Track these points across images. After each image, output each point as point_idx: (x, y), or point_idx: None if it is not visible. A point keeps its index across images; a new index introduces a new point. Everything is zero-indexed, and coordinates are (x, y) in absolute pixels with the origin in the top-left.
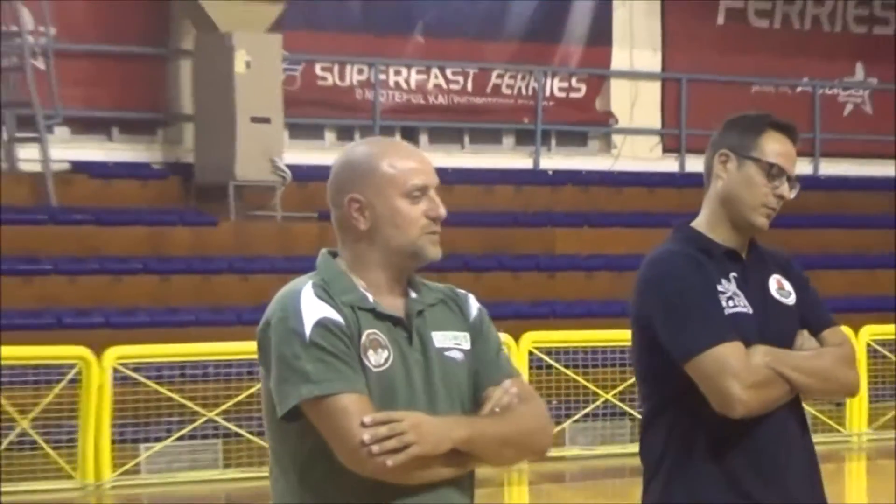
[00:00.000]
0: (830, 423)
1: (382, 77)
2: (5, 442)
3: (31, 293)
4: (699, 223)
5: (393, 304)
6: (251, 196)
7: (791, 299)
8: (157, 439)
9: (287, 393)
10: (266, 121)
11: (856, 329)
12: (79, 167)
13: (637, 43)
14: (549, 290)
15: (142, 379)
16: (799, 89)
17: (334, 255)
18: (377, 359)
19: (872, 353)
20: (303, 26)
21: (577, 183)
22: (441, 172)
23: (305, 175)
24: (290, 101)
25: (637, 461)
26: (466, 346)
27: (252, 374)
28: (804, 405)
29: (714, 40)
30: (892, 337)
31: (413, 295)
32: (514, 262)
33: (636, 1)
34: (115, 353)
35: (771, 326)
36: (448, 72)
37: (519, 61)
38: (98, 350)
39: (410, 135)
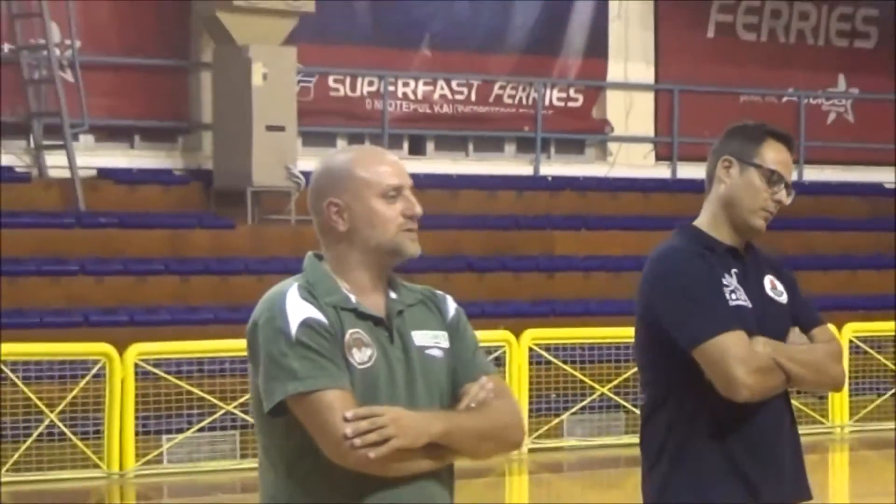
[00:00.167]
0: (814, 415)
1: (391, 88)
2: (35, 433)
3: (60, 293)
4: (701, 223)
5: (374, 305)
6: (267, 201)
7: (784, 298)
8: (179, 431)
9: (274, 389)
10: (281, 129)
11: (839, 326)
12: (104, 173)
13: (631, 55)
14: (548, 290)
15: (162, 374)
16: (785, 99)
17: (320, 257)
18: (361, 356)
19: (854, 349)
20: (316, 40)
21: (575, 188)
22: (446, 178)
23: None
24: (304, 110)
25: (632, 451)
26: (445, 344)
27: None
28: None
29: (704, 53)
30: (874, 334)
31: (393, 295)
32: (515, 263)
33: (631, 15)
34: (138, 350)
35: (767, 322)
36: (453, 83)
37: (520, 73)
38: (122, 346)
39: (417, 143)
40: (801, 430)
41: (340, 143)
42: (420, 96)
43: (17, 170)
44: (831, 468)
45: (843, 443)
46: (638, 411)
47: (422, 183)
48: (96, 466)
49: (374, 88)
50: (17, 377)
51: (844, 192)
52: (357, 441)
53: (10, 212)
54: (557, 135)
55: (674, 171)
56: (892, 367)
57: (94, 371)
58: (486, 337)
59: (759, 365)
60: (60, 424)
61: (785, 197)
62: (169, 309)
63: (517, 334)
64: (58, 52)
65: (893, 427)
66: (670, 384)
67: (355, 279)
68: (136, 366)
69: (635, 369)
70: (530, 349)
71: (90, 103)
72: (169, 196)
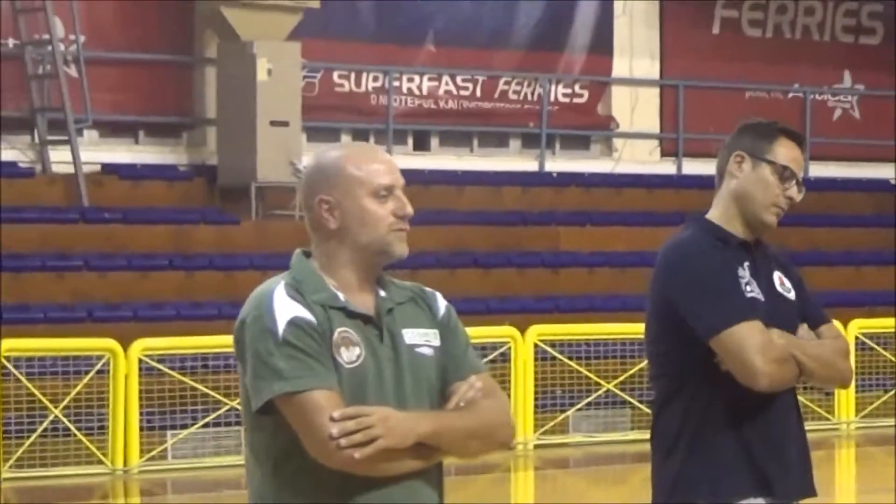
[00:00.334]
0: (820, 411)
1: (396, 84)
2: (39, 429)
3: (64, 288)
4: (712, 217)
5: (363, 303)
6: (271, 196)
7: (792, 295)
8: (183, 426)
9: (261, 388)
10: (285, 124)
11: (844, 323)
12: (108, 169)
13: (637, 51)
14: (553, 286)
15: (167, 370)
16: (790, 95)
17: (308, 254)
18: (349, 356)
19: (860, 345)
20: (320, 35)
21: (580, 184)
22: (451, 174)
23: None
24: (309, 106)
25: (638, 447)
26: (436, 342)
27: None
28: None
29: (710, 49)
30: (879, 330)
31: (382, 293)
32: (520, 259)
33: (636, 12)
34: (142, 345)
35: (777, 317)
36: (458, 79)
37: (525, 69)
38: (126, 342)
39: (422, 138)
40: (807, 426)
41: (345, 138)
42: (425, 92)
43: (21, 165)
44: (837, 464)
45: (849, 439)
46: (644, 407)
47: (426, 179)
48: (100, 462)
49: (378, 84)
50: (21, 373)
51: (849, 188)
52: (343, 441)
53: (14, 207)
54: (562, 131)
55: (679, 168)
56: None
57: (98, 367)
58: (491, 333)
59: (776, 355)
60: (65, 420)
61: (796, 193)
62: (173, 304)
63: (522, 330)
64: (62, 47)
65: None
66: (685, 374)
67: (344, 277)
68: (141, 361)
69: (641, 365)
70: (535, 345)
71: (94, 99)
72: (173, 191)
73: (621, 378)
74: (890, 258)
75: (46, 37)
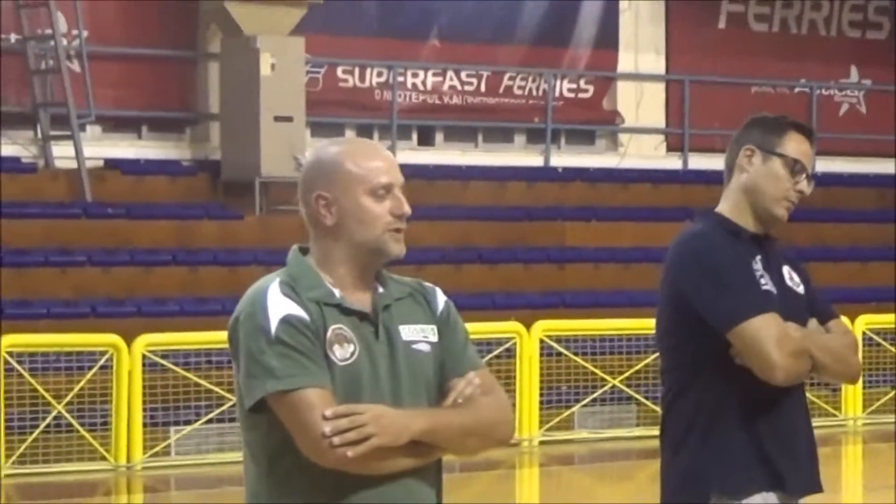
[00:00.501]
0: (827, 407)
1: (400, 79)
2: (42, 425)
3: (67, 284)
4: (723, 211)
5: (360, 299)
6: (275, 191)
7: (801, 289)
8: (187, 422)
9: (253, 387)
10: (289, 120)
11: (851, 319)
12: (111, 164)
13: (642, 46)
14: (559, 281)
15: (170, 365)
16: (797, 90)
17: (305, 251)
18: (343, 353)
19: (867, 341)
20: (324, 30)
21: (586, 179)
22: (456, 169)
23: None
24: (313, 101)
25: (643, 444)
26: (434, 338)
27: None
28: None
29: (715, 44)
30: (886, 326)
31: (380, 290)
32: (526, 255)
33: (641, 6)
34: (145, 341)
35: (789, 310)
36: (463, 74)
37: (530, 64)
38: (130, 338)
39: (426, 134)
40: (814, 422)
41: (349, 133)
42: (429, 87)
43: (24, 160)
44: (844, 461)
45: (856, 435)
46: (650, 404)
47: (431, 174)
48: (103, 459)
49: (382, 79)
50: (24, 369)
51: (856, 183)
52: (336, 440)
53: (17, 202)
54: (568, 126)
55: (685, 162)
56: None
57: (101, 362)
58: (497, 328)
59: (793, 348)
60: (67, 416)
61: (806, 186)
62: (177, 300)
63: (528, 326)
64: (64, 42)
65: None
66: (697, 368)
67: (341, 274)
68: (144, 357)
69: (647, 361)
70: (541, 341)
71: (97, 94)
72: (176, 187)
73: (627, 374)
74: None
75: (49, 31)
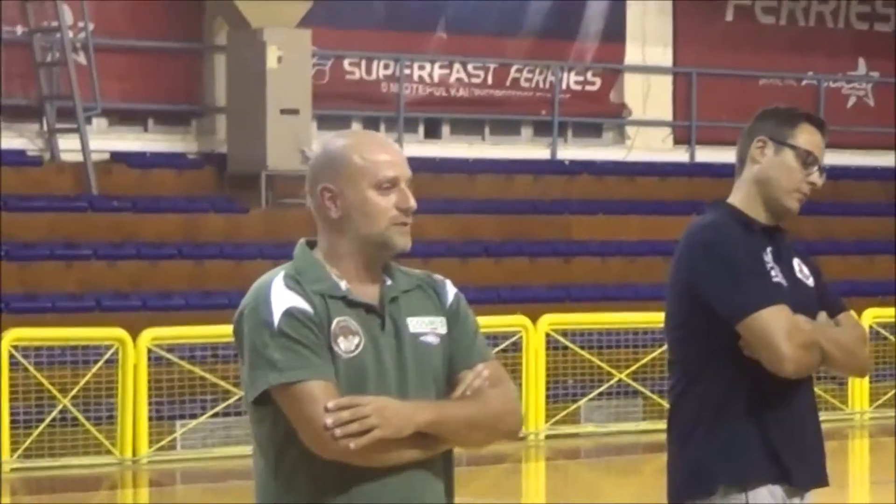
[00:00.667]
0: (833, 401)
1: (407, 71)
2: (47, 419)
3: (72, 277)
4: (734, 202)
5: (366, 292)
6: (282, 185)
7: (811, 282)
8: (192, 416)
9: (256, 380)
10: (295, 112)
11: (858, 312)
12: (117, 157)
13: (649, 39)
14: (565, 275)
15: (176, 359)
16: (804, 83)
17: (312, 245)
18: (347, 345)
19: (874, 335)
20: (331, 23)
21: (593, 172)
22: (462, 162)
23: None
24: (320, 94)
25: (649, 438)
26: (443, 330)
27: None
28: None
29: (723, 36)
30: (893, 320)
31: (388, 282)
32: (532, 248)
33: None
34: (151, 335)
35: (799, 302)
36: (469, 66)
37: (537, 57)
38: (135, 331)
39: (433, 126)
40: (821, 416)
41: (355, 126)
42: (436, 80)
43: (30, 153)
44: (851, 454)
45: (863, 429)
46: (656, 397)
47: (438, 167)
48: (109, 452)
49: (389, 72)
50: (30, 363)
51: (863, 176)
52: (338, 431)
53: (23, 196)
54: (575, 118)
55: (692, 155)
56: None
57: (106, 356)
58: (503, 322)
59: (803, 340)
60: (73, 410)
61: (818, 178)
62: (182, 294)
63: (534, 319)
64: (70, 34)
65: None
66: (706, 359)
67: (347, 266)
68: (150, 351)
69: (653, 354)
70: (547, 334)
71: (103, 86)
72: (182, 180)
73: (633, 368)
74: None
75: (55, 24)
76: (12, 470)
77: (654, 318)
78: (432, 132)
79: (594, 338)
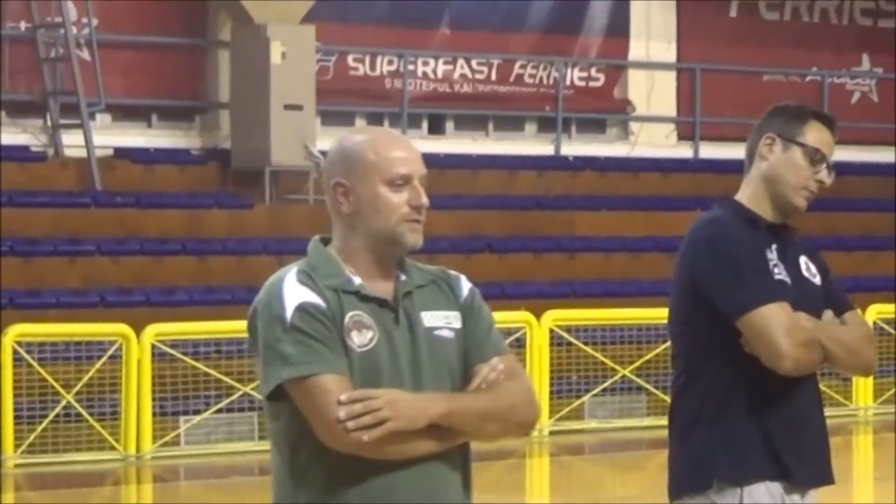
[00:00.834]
0: (837, 397)
1: (411, 67)
2: (51, 415)
3: (76, 273)
4: (741, 199)
5: (381, 287)
6: (285, 180)
7: (817, 280)
8: (196, 412)
9: (270, 374)
10: (299, 108)
11: (862, 308)
12: (121, 153)
13: (653, 35)
14: (569, 271)
15: (179, 355)
16: (808, 79)
17: (327, 241)
18: (361, 339)
19: (879, 331)
20: (335, 19)
21: (596, 168)
22: (466, 158)
23: None
24: (324, 90)
25: (653, 434)
26: (457, 324)
27: None
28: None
29: (727, 32)
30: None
31: (402, 277)
32: (536, 244)
33: None
34: (155, 331)
35: (803, 300)
36: (473, 62)
37: (541, 52)
38: (139, 327)
39: (437, 122)
40: (825, 412)
41: (359, 122)
42: (440, 75)
43: (34, 149)
44: (855, 450)
45: (867, 425)
46: (660, 393)
47: (442, 163)
48: (113, 448)
49: (393, 67)
50: (33, 358)
51: (867, 172)
52: (350, 424)
53: (26, 191)
54: (578, 114)
55: (696, 151)
56: None
57: (110, 352)
58: (507, 318)
59: (803, 338)
60: (77, 406)
61: (826, 177)
62: (186, 289)
63: (538, 315)
64: (74, 30)
65: None
66: (708, 355)
67: (360, 262)
68: (153, 347)
69: (657, 350)
70: (551, 330)
71: (107, 82)
72: (186, 176)
73: (637, 364)
74: None
75: (59, 20)
76: (16, 466)
77: (658, 314)
78: (436, 128)
79: (598, 334)
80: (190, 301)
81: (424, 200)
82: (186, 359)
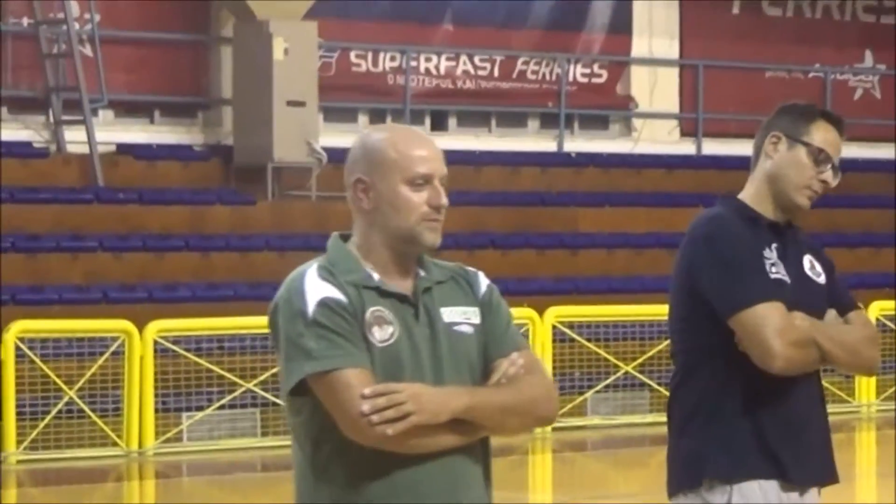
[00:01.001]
0: (840, 394)
1: (414, 63)
2: (53, 411)
3: (78, 269)
4: (745, 197)
5: (400, 283)
6: (288, 177)
7: (822, 279)
8: (199, 408)
9: (292, 370)
10: (302, 105)
11: (865, 305)
12: (123, 149)
13: (656, 31)
14: (571, 267)
15: (182, 351)
16: (811, 75)
17: (346, 237)
18: (382, 334)
19: (881, 327)
20: (338, 15)
21: (599, 165)
22: (469, 154)
23: (340, 157)
24: (326, 86)
25: (656, 430)
26: (476, 320)
27: None
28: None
29: (729, 28)
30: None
31: (421, 273)
32: (538, 240)
33: None
34: (157, 327)
35: (804, 300)
36: (476, 58)
37: (543, 49)
38: (142, 323)
39: (440, 118)
40: (828, 409)
41: (362, 118)
42: (442, 72)
43: (36, 145)
44: (857, 447)
45: (870, 422)
46: (662, 390)
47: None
48: (115, 444)
49: (396, 64)
50: (36, 354)
51: (870, 168)
52: (374, 418)
53: (29, 187)
54: (581, 111)
55: (699, 148)
56: None
57: (113, 348)
58: None
59: (796, 338)
60: (79, 402)
61: (831, 178)
62: (189, 285)
63: (540, 312)
64: (77, 26)
65: None
66: (706, 352)
67: (380, 258)
68: (156, 343)
69: (660, 347)
70: (553, 327)
71: (109, 78)
72: (189, 172)
73: (640, 360)
74: None
75: (61, 16)
76: (18, 462)
77: (661, 311)
78: (439, 124)
79: (601, 330)
80: (192, 297)
81: (444, 200)
82: (189, 355)
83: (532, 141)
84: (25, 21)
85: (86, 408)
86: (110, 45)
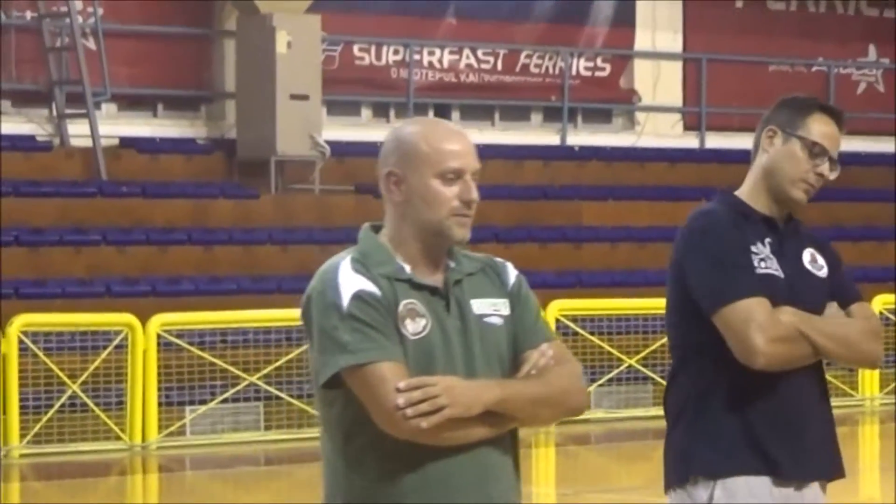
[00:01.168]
0: (844, 387)
1: (417, 57)
2: (56, 405)
3: (82, 263)
4: (741, 192)
5: (431, 275)
6: (291, 170)
7: (823, 272)
8: (202, 402)
9: (326, 363)
10: (305, 98)
11: (867, 299)
12: (126, 142)
13: (659, 25)
14: (575, 261)
15: (185, 345)
16: (814, 69)
17: (378, 229)
18: (415, 327)
19: (884, 321)
20: (341, 8)
21: (602, 158)
22: None
23: (343, 150)
24: (330, 79)
25: (659, 424)
26: (506, 311)
27: (291, 340)
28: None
29: (733, 22)
30: None
31: (451, 265)
32: (542, 234)
33: None
34: (160, 320)
35: (801, 293)
36: (479, 52)
37: (547, 42)
38: (145, 317)
39: (443, 112)
40: (831, 402)
41: (365, 112)
42: (446, 65)
43: (39, 139)
44: (861, 441)
45: (873, 415)
46: (665, 383)
47: None
48: (118, 438)
49: (399, 57)
50: (39, 348)
51: (873, 162)
52: (409, 411)
53: (32, 181)
54: (584, 104)
55: (702, 141)
56: None
57: (116, 342)
58: None
59: (779, 334)
60: (82, 396)
61: (827, 171)
62: (192, 279)
63: (544, 305)
64: (80, 19)
65: None
66: (694, 347)
67: (411, 250)
68: (159, 336)
69: (663, 340)
70: (557, 320)
71: (112, 72)
72: (192, 165)
73: (643, 354)
74: None
75: (64, 9)
76: (22, 455)
77: (664, 304)
78: (442, 118)
79: (604, 323)
80: (196, 291)
81: (475, 195)
82: (192, 348)
83: (535, 134)
84: (29, 15)
85: (89, 401)
86: (113, 39)
